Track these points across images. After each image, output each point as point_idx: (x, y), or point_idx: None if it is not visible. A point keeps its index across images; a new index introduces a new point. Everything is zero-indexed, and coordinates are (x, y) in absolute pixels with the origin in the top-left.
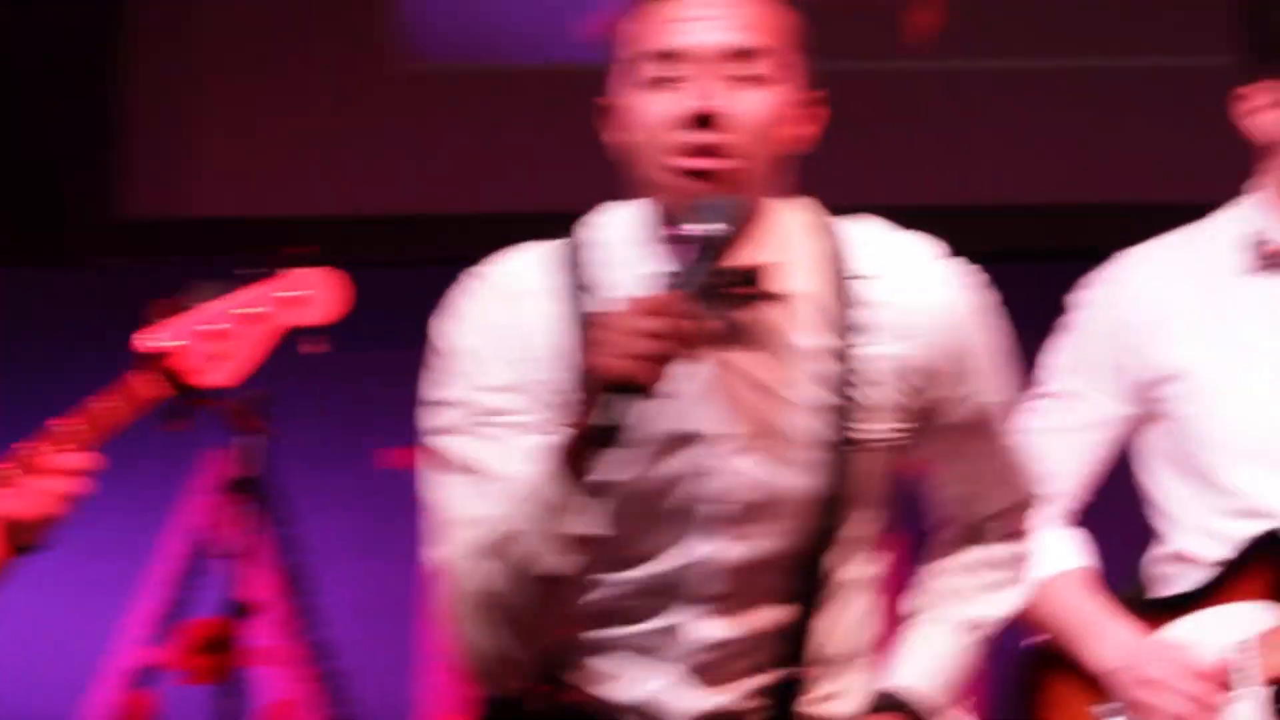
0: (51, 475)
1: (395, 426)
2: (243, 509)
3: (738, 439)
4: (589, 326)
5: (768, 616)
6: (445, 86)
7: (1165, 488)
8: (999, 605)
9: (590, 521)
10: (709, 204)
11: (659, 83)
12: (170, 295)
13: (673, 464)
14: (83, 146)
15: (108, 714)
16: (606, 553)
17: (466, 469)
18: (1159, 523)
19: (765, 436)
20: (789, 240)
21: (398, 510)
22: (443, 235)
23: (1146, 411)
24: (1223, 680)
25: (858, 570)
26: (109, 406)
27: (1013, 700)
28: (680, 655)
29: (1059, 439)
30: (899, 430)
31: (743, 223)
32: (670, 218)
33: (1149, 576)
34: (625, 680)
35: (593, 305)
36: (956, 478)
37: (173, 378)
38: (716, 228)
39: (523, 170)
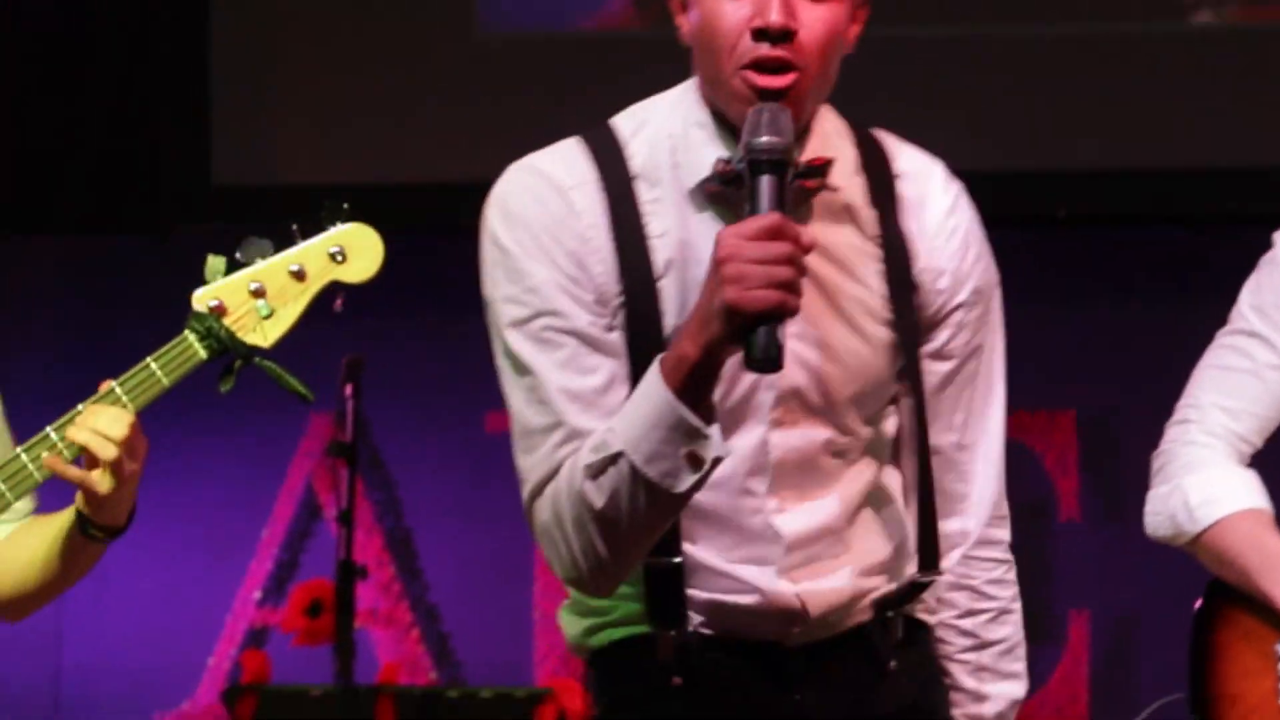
0: (117, 445)
1: None
2: (348, 472)
3: (798, 324)
4: (713, 264)
5: (838, 510)
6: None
7: None
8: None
9: (719, 443)
10: (778, 119)
11: None
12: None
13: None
14: (176, 115)
15: (225, 674)
16: None
17: (535, 374)
18: None
19: (824, 320)
20: (833, 140)
21: (506, 473)
22: None
23: None
24: None
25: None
26: (164, 365)
27: (1192, 637)
28: (779, 555)
29: (1244, 378)
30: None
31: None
32: (739, 125)
33: None
34: (737, 592)
35: (644, 195)
36: (942, 427)
37: (227, 335)
38: (785, 142)
39: None
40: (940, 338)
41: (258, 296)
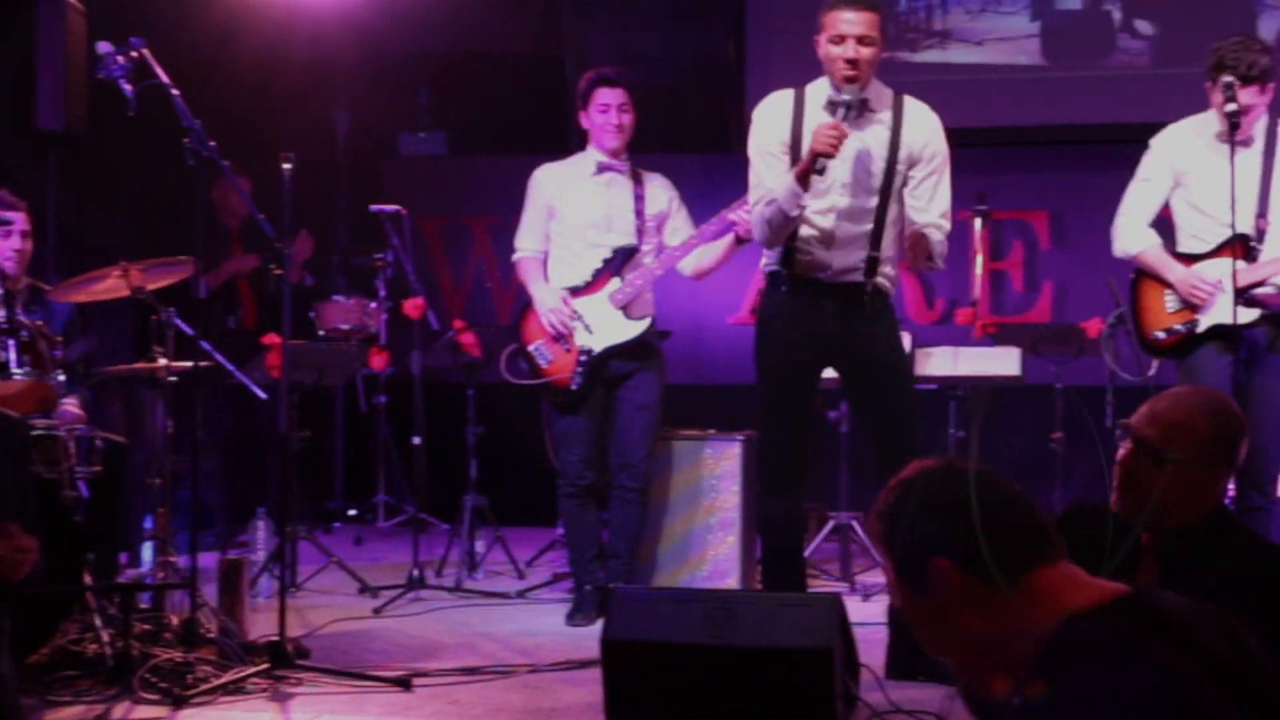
0: None
1: None
2: None
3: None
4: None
5: (862, 227)
6: None
7: None
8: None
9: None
10: (849, 89)
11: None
12: None
13: (829, 175)
14: None
15: None
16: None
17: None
18: None
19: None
20: (878, 91)
21: None
22: None
23: None
24: None
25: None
26: None
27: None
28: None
29: None
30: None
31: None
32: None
33: None
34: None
35: (807, 115)
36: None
37: None
38: (851, 99)
39: None
40: (917, 164)
41: None
